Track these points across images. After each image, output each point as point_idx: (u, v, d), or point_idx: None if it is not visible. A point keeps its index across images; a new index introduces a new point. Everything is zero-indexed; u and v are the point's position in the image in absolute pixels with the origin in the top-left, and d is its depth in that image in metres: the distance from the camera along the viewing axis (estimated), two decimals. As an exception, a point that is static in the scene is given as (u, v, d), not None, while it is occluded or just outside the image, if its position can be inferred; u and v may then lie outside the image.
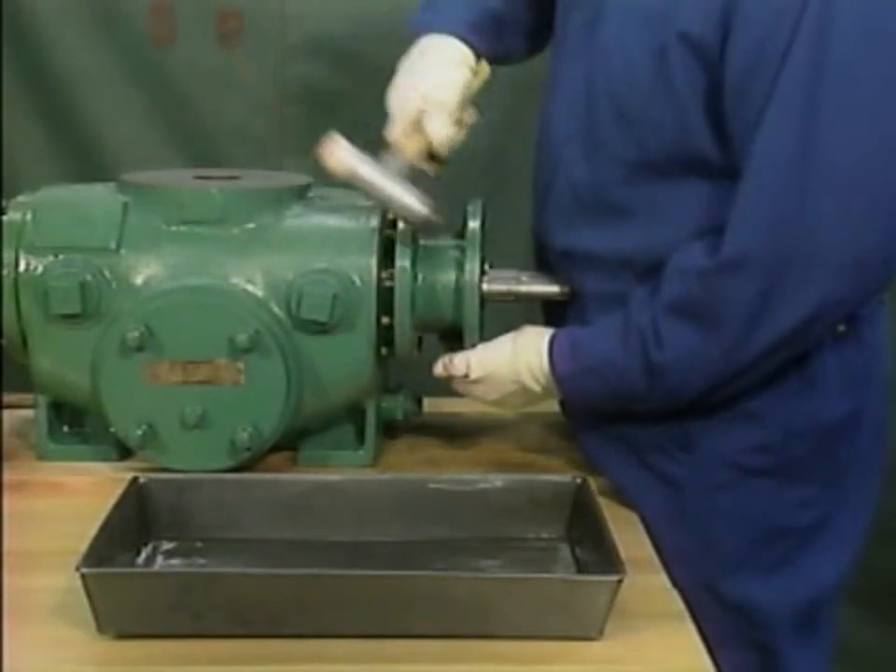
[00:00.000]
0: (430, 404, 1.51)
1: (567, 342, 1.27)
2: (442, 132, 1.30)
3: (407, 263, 1.34)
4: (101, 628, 1.02)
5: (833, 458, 1.28)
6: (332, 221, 1.38)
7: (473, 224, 1.36)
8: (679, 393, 1.21)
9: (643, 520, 1.28)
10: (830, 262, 1.13)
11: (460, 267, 1.35)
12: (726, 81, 1.13)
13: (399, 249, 1.34)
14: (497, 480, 1.22)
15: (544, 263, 1.37)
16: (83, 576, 1.00)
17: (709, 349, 1.17)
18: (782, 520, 1.28)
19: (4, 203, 1.38)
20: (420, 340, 1.42)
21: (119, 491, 1.16)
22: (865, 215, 1.12)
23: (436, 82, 1.31)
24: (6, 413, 1.49)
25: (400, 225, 1.35)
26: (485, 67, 1.36)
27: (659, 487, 1.29)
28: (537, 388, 1.29)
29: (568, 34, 1.31)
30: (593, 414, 1.33)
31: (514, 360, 1.29)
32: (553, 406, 1.43)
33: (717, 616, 1.27)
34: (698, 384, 1.20)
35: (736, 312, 1.15)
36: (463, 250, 1.35)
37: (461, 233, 1.37)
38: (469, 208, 1.38)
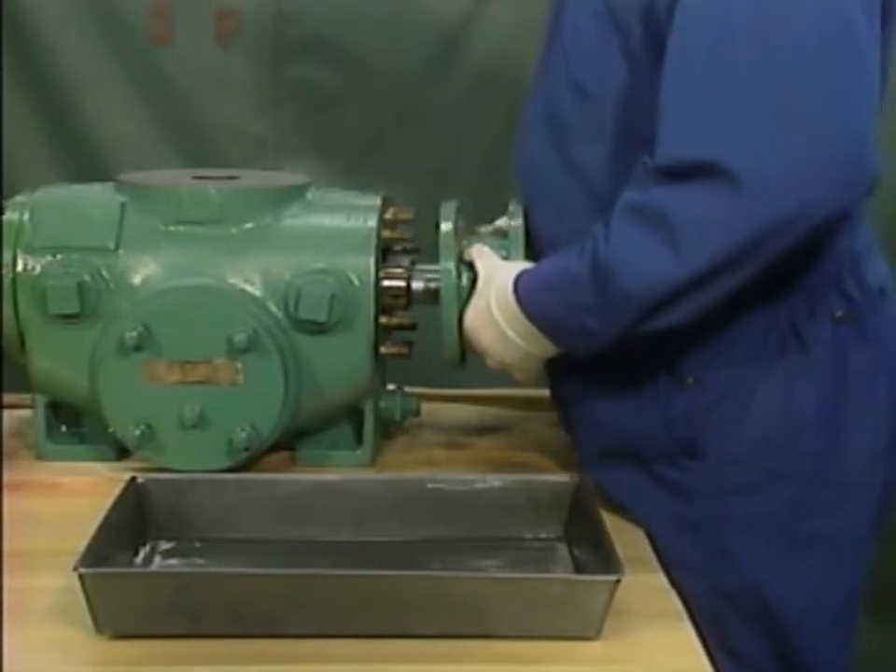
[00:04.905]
0: (428, 404, 1.51)
1: (532, 268, 1.26)
2: None
3: (451, 265, 1.31)
4: (99, 628, 1.02)
5: (850, 457, 1.25)
6: (330, 221, 1.38)
7: (516, 223, 1.33)
8: (629, 299, 1.14)
9: (647, 531, 1.27)
10: (779, 159, 1.05)
11: None
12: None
13: (442, 251, 1.32)
14: (496, 480, 1.22)
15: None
16: (81, 576, 1.00)
17: (657, 249, 1.11)
18: (806, 525, 1.25)
19: (3, 202, 1.38)
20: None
21: (117, 491, 1.16)
22: (810, 97, 1.06)
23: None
24: (4, 412, 1.49)
25: (443, 226, 1.33)
26: None
27: (667, 497, 1.27)
28: (503, 324, 1.24)
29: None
30: (594, 424, 1.31)
31: (487, 301, 1.26)
32: (552, 406, 1.43)
33: (735, 625, 1.26)
34: (647, 289, 1.13)
35: (683, 215, 1.09)
36: (507, 249, 1.33)
37: (504, 233, 1.35)
38: (511, 208, 1.35)
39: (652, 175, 1.11)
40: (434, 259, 1.38)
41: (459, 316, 1.31)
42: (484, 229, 1.37)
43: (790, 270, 1.19)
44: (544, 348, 1.24)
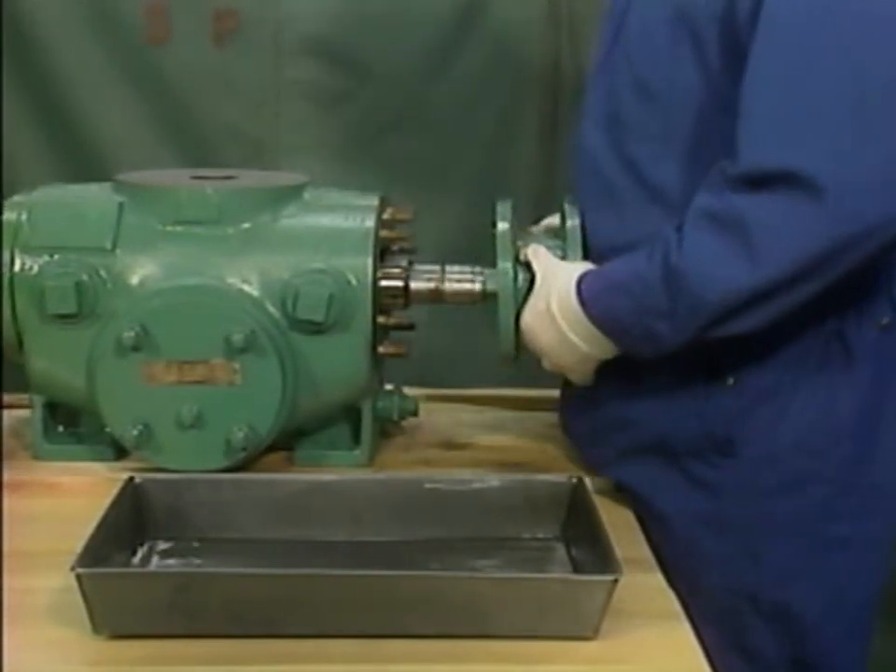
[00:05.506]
0: (426, 404, 1.51)
1: (597, 269, 1.24)
2: None
3: (508, 265, 1.30)
4: (96, 629, 1.02)
5: (884, 463, 1.24)
6: (328, 221, 1.38)
7: (573, 222, 1.31)
8: (700, 305, 1.13)
9: (668, 524, 1.26)
10: (862, 168, 1.05)
11: None
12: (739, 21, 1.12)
13: (499, 251, 1.31)
14: (493, 479, 1.22)
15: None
16: (78, 576, 1.00)
17: (732, 256, 1.10)
18: (834, 529, 1.24)
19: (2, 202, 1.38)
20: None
21: (114, 491, 1.16)
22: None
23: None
24: (2, 412, 1.49)
25: (500, 226, 1.31)
26: None
27: (695, 493, 1.26)
28: (564, 326, 1.22)
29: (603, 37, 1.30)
30: (626, 423, 1.30)
31: (546, 303, 1.25)
32: (551, 406, 1.43)
33: (753, 625, 1.26)
34: (719, 295, 1.12)
35: (760, 222, 1.09)
36: (562, 249, 1.31)
37: (559, 233, 1.33)
38: (567, 207, 1.33)
39: (731, 181, 1.10)
40: (429, 258, 1.39)
41: (515, 317, 1.29)
42: (536, 228, 1.36)
43: (842, 277, 1.16)
44: (605, 351, 1.23)
